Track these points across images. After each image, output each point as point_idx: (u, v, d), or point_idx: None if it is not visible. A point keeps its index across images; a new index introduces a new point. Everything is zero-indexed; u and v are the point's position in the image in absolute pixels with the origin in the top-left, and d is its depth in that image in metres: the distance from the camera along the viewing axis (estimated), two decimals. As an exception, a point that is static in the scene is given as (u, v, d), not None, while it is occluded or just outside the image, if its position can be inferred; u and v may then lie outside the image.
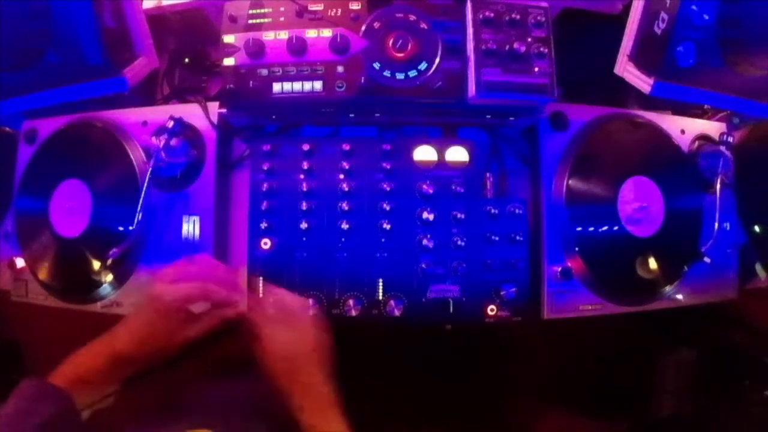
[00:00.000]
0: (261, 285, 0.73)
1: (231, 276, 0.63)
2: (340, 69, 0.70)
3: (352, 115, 0.77)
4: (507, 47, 0.68)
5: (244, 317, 0.61)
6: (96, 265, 0.77)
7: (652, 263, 0.79)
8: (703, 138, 0.86)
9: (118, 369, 0.57)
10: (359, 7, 0.70)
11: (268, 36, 0.70)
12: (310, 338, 0.61)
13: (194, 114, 0.78)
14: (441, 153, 0.77)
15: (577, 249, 0.77)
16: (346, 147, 0.77)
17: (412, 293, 0.74)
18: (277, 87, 0.70)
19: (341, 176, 0.76)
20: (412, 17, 0.70)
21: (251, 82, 0.70)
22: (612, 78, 0.77)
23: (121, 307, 0.78)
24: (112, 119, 0.81)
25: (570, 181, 0.78)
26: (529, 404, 1.10)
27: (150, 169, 0.72)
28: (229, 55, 0.70)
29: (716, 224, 0.78)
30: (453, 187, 0.76)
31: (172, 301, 0.57)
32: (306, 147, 0.77)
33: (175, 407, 0.65)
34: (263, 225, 0.75)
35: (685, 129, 0.85)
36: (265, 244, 0.75)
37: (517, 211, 0.76)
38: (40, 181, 0.83)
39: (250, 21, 0.71)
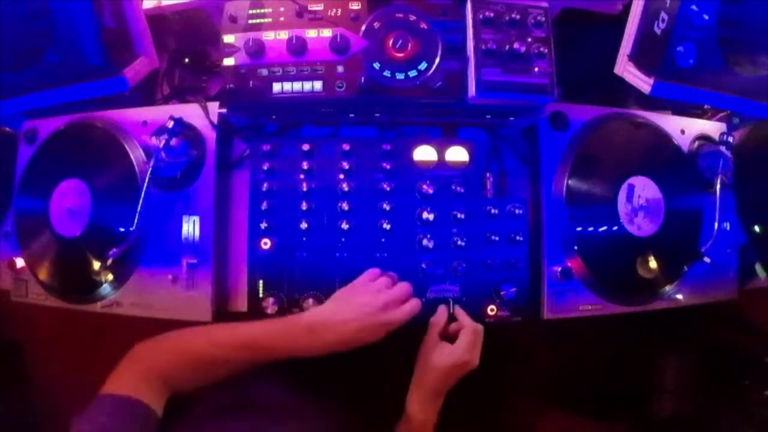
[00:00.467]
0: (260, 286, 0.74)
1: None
2: (340, 69, 0.70)
3: (352, 115, 0.77)
4: (507, 47, 0.68)
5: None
6: (96, 265, 0.77)
7: (652, 263, 0.79)
8: (703, 138, 0.86)
9: (262, 359, 0.61)
10: (359, 7, 0.70)
11: (268, 36, 0.70)
12: (466, 364, 0.65)
13: (194, 114, 0.78)
14: (441, 153, 0.78)
15: (577, 249, 0.77)
16: (346, 147, 0.77)
17: (412, 293, 0.74)
18: (277, 87, 0.70)
19: (341, 176, 0.76)
20: (412, 17, 0.70)
21: (251, 82, 0.70)
22: (612, 78, 0.77)
23: (121, 307, 0.78)
24: (112, 119, 0.81)
25: (570, 181, 0.78)
26: (529, 404, 1.10)
27: (150, 169, 0.72)
28: (229, 55, 0.70)
29: (716, 224, 0.78)
30: (453, 187, 0.76)
31: (400, 323, 0.63)
32: (306, 147, 0.77)
33: (250, 406, 0.67)
34: (263, 225, 0.75)
35: (685, 129, 0.85)
36: (265, 244, 0.75)
37: (517, 211, 0.76)
38: (40, 181, 0.83)
39: (250, 21, 0.71)
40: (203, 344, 0.62)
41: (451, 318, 0.71)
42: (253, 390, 0.69)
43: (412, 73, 0.70)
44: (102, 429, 0.51)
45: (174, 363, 0.61)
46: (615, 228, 0.78)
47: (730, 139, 0.79)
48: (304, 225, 0.75)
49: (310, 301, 0.73)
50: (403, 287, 0.67)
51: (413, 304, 0.65)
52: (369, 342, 0.62)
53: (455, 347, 0.65)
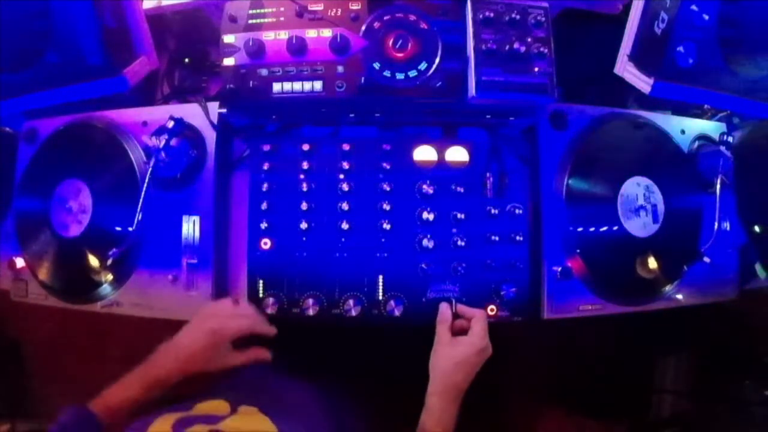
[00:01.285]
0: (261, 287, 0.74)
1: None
2: (340, 69, 0.70)
3: (352, 115, 0.77)
4: (507, 47, 0.68)
5: None
6: (96, 265, 0.77)
7: (652, 263, 0.79)
8: (703, 138, 0.86)
9: (150, 394, 0.62)
10: (359, 7, 0.70)
11: (268, 36, 0.70)
12: (483, 351, 0.66)
13: (194, 114, 0.78)
14: (441, 153, 0.78)
15: (577, 249, 0.77)
16: (346, 147, 0.77)
17: (412, 293, 0.74)
18: (277, 87, 0.70)
19: (341, 176, 0.76)
20: (412, 17, 0.70)
21: (251, 82, 0.70)
22: (612, 78, 0.77)
23: (121, 307, 0.78)
24: (112, 119, 0.81)
25: (570, 181, 0.78)
26: (529, 404, 1.10)
27: (150, 169, 0.72)
28: (229, 55, 0.70)
29: (716, 224, 0.78)
30: (453, 187, 0.76)
31: (232, 334, 0.66)
32: (306, 147, 0.77)
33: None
34: (263, 225, 0.75)
35: (685, 129, 0.85)
36: (265, 244, 0.75)
37: (517, 211, 0.76)
38: (40, 181, 0.83)
39: (250, 21, 0.71)
40: (115, 395, 0.62)
41: (454, 316, 0.71)
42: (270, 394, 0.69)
43: (412, 73, 0.70)
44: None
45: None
46: (615, 228, 0.78)
47: (730, 139, 0.79)
48: (304, 225, 0.75)
49: (310, 301, 0.73)
50: (269, 328, 0.70)
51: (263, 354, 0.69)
52: (215, 353, 0.65)
53: (472, 337, 0.65)
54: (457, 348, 0.65)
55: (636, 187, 0.80)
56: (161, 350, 0.65)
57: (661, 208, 0.80)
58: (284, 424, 0.57)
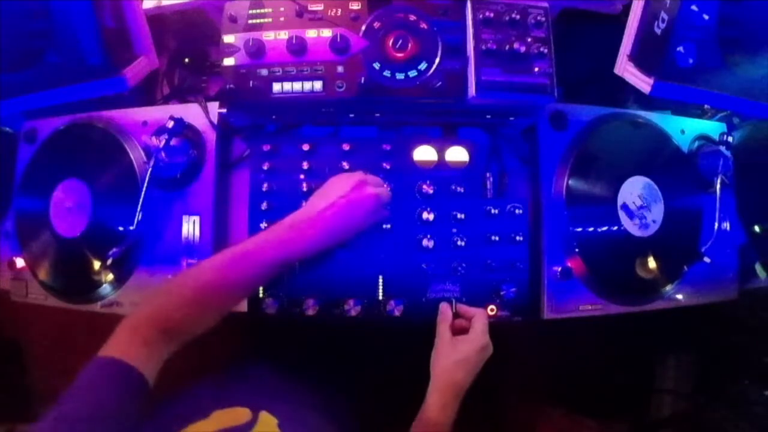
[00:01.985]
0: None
1: None
2: (340, 69, 0.70)
3: (352, 115, 0.77)
4: (507, 47, 0.68)
5: None
6: (96, 265, 0.77)
7: (652, 263, 0.79)
8: (703, 138, 0.86)
9: (257, 271, 0.62)
10: (359, 7, 0.70)
11: (268, 36, 0.70)
12: (484, 350, 0.66)
13: (194, 114, 0.78)
14: (441, 153, 0.78)
15: (577, 249, 0.77)
16: (346, 147, 0.77)
17: (412, 293, 0.74)
18: (277, 87, 0.70)
19: (341, 176, 0.76)
20: (412, 17, 0.70)
21: (251, 82, 0.70)
22: (612, 78, 0.77)
23: (121, 307, 0.78)
24: (112, 119, 0.81)
25: (570, 181, 0.78)
26: (529, 404, 1.10)
27: (150, 169, 0.72)
28: (229, 55, 0.70)
29: (716, 224, 0.78)
30: (453, 187, 0.76)
31: (384, 201, 0.68)
32: (306, 147, 0.77)
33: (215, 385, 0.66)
34: (263, 225, 0.75)
35: (685, 129, 0.85)
36: (265, 244, 0.75)
37: (517, 211, 0.76)
38: (40, 181, 0.83)
39: (250, 21, 0.71)
40: (196, 274, 0.62)
41: (455, 316, 0.71)
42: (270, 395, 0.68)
43: (412, 73, 0.70)
44: (85, 392, 0.51)
45: (170, 304, 0.59)
46: (615, 228, 0.78)
47: (730, 139, 0.79)
48: (304, 225, 0.74)
49: (310, 301, 0.73)
50: (376, 178, 0.71)
51: (386, 188, 0.70)
52: (355, 226, 0.66)
53: (473, 335, 0.65)
54: (458, 346, 0.65)
55: (636, 187, 0.80)
56: (288, 226, 0.64)
57: (661, 208, 0.80)
58: None
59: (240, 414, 0.55)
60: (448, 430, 0.62)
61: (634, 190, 0.79)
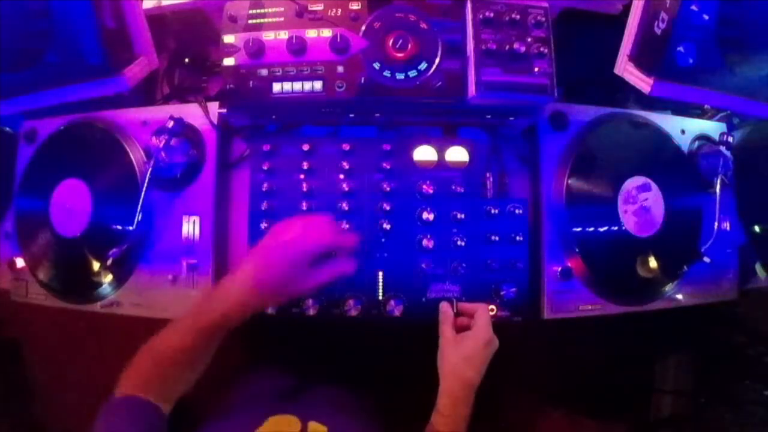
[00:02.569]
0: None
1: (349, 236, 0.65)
2: (340, 69, 0.70)
3: (352, 115, 0.77)
4: (507, 47, 0.68)
5: None
6: (96, 265, 0.77)
7: (652, 263, 0.79)
8: (703, 138, 0.86)
9: (212, 340, 0.57)
10: (359, 7, 0.70)
11: (268, 36, 0.70)
12: (490, 343, 0.65)
13: (194, 114, 0.78)
14: (441, 153, 0.78)
15: (577, 249, 0.77)
16: (346, 147, 0.77)
17: (412, 293, 0.74)
18: (277, 87, 0.70)
19: (341, 176, 0.76)
20: (412, 17, 0.70)
21: (251, 82, 0.70)
22: (612, 78, 0.77)
23: (121, 307, 0.78)
24: (112, 119, 0.81)
25: (570, 181, 0.78)
26: (529, 404, 1.10)
27: (150, 169, 0.72)
28: (229, 55, 0.70)
29: (716, 224, 0.78)
30: (453, 187, 0.76)
31: (312, 246, 0.58)
32: (306, 147, 0.77)
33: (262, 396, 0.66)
34: (263, 225, 0.75)
35: (685, 129, 0.85)
36: (265, 244, 0.75)
37: (517, 211, 0.76)
38: (40, 181, 0.83)
39: (250, 21, 0.71)
40: (165, 343, 0.59)
41: (456, 314, 0.70)
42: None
43: (412, 73, 0.70)
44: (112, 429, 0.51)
45: (152, 368, 0.58)
46: (615, 228, 0.78)
47: (730, 139, 0.79)
48: (304, 225, 0.74)
49: (310, 301, 0.73)
50: (350, 237, 0.63)
51: (347, 265, 0.61)
52: (291, 272, 0.58)
53: (477, 329, 0.65)
54: (463, 343, 0.64)
55: (636, 187, 0.80)
56: (218, 289, 0.58)
57: (661, 208, 0.80)
58: None
59: (291, 422, 0.55)
60: (464, 427, 0.62)
61: (634, 190, 0.79)
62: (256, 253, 0.59)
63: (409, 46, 0.69)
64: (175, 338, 0.57)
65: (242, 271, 0.58)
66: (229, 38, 0.71)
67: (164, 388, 0.57)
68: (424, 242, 0.74)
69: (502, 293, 0.74)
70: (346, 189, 0.75)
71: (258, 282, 0.57)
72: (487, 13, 0.68)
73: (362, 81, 0.69)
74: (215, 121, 0.78)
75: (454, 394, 0.62)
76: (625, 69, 0.75)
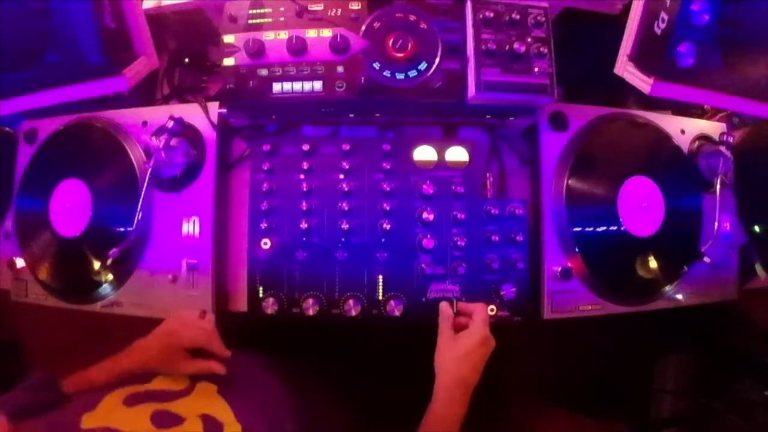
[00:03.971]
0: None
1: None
2: (340, 69, 0.70)
3: (352, 115, 0.77)
4: (507, 47, 0.68)
5: None
6: (96, 265, 0.77)
7: (652, 263, 0.79)
8: (703, 138, 0.86)
9: (116, 381, 0.63)
10: (359, 7, 0.70)
11: (268, 36, 0.70)
12: (487, 342, 0.66)
13: (194, 114, 0.78)
14: (441, 153, 0.77)
15: (577, 249, 0.77)
16: (346, 147, 0.77)
17: (412, 293, 0.74)
18: (277, 87, 0.70)
19: (341, 176, 0.76)
20: (412, 17, 0.70)
21: (251, 82, 0.70)
22: (612, 78, 0.77)
23: (121, 307, 0.78)
24: (112, 119, 0.81)
25: (570, 181, 0.78)
26: (529, 404, 1.10)
27: (150, 169, 0.72)
28: (229, 55, 0.70)
29: (716, 224, 0.78)
30: (453, 187, 0.76)
31: (185, 342, 0.66)
32: (306, 147, 0.77)
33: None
34: (263, 225, 0.75)
35: (685, 129, 0.85)
36: (265, 244, 0.75)
37: (517, 211, 0.76)
38: (40, 181, 0.83)
39: (250, 21, 0.71)
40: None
41: (456, 314, 0.70)
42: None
43: (412, 73, 0.70)
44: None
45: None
46: (615, 228, 0.78)
47: (730, 139, 0.79)
48: (304, 225, 0.75)
49: (310, 300, 0.73)
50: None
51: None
52: (170, 357, 0.65)
53: (474, 328, 0.65)
54: (460, 341, 0.65)
55: (636, 187, 0.80)
56: (134, 344, 0.67)
57: (661, 208, 0.80)
58: (243, 412, 0.57)
59: (179, 379, 0.61)
60: (456, 427, 0.62)
61: (634, 190, 0.79)
62: (153, 333, 0.67)
63: (409, 46, 0.69)
64: (95, 374, 0.64)
65: (141, 342, 0.67)
66: (229, 38, 0.71)
67: None
68: (424, 242, 0.74)
69: (502, 293, 0.74)
70: (346, 189, 0.75)
71: (145, 357, 0.66)
72: (487, 13, 0.69)
73: (362, 81, 0.69)
74: (215, 121, 0.78)
75: (449, 393, 0.63)
76: (625, 69, 0.75)
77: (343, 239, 0.75)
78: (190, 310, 0.72)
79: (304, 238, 0.75)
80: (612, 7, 0.83)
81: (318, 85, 0.70)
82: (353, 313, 0.73)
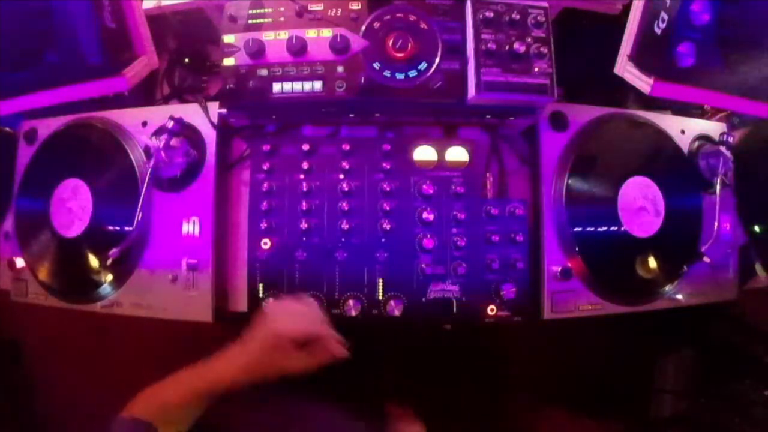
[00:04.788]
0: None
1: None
2: (340, 69, 0.70)
3: (352, 115, 0.77)
4: (507, 47, 0.68)
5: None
6: (96, 265, 0.77)
7: (652, 263, 0.79)
8: (703, 138, 0.86)
9: (202, 402, 0.59)
10: (359, 7, 0.70)
11: (268, 36, 0.70)
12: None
13: (194, 114, 0.78)
14: (441, 153, 0.78)
15: (576, 249, 0.77)
16: (346, 147, 0.77)
17: (412, 293, 0.74)
18: (277, 87, 0.70)
19: (341, 176, 0.76)
20: (412, 17, 0.70)
21: (251, 82, 0.70)
22: (612, 78, 0.77)
23: (121, 307, 0.78)
24: (112, 119, 0.81)
25: (570, 181, 0.78)
26: (529, 404, 1.10)
27: (150, 169, 0.72)
28: (229, 55, 0.70)
29: (716, 224, 0.78)
30: (453, 187, 0.76)
31: (294, 338, 0.60)
32: (306, 147, 0.77)
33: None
34: (263, 225, 0.75)
35: (685, 129, 0.85)
36: (265, 244, 0.75)
37: (517, 211, 0.76)
38: (40, 181, 0.83)
39: (250, 21, 0.71)
40: (161, 397, 0.60)
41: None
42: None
43: (412, 73, 0.70)
44: None
45: (155, 414, 0.59)
46: (615, 228, 0.78)
47: (730, 139, 0.79)
48: (304, 225, 0.75)
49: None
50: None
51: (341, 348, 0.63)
52: (280, 358, 0.60)
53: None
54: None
55: (636, 187, 0.80)
56: (223, 355, 0.61)
57: (661, 208, 0.80)
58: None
59: None
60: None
61: (634, 190, 0.79)
62: (249, 335, 0.61)
63: (409, 46, 0.69)
64: (174, 392, 0.59)
65: (237, 350, 0.61)
66: (229, 38, 0.71)
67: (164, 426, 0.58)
68: (424, 242, 0.74)
69: (502, 293, 0.74)
70: (346, 189, 0.75)
71: (247, 365, 0.60)
72: (487, 13, 0.69)
73: (362, 81, 0.69)
74: (215, 121, 0.78)
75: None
76: (625, 69, 0.75)
77: (343, 239, 0.75)
78: (286, 299, 0.66)
79: (304, 238, 0.75)
80: (612, 7, 0.83)
81: (318, 85, 0.70)
82: (353, 313, 0.73)
